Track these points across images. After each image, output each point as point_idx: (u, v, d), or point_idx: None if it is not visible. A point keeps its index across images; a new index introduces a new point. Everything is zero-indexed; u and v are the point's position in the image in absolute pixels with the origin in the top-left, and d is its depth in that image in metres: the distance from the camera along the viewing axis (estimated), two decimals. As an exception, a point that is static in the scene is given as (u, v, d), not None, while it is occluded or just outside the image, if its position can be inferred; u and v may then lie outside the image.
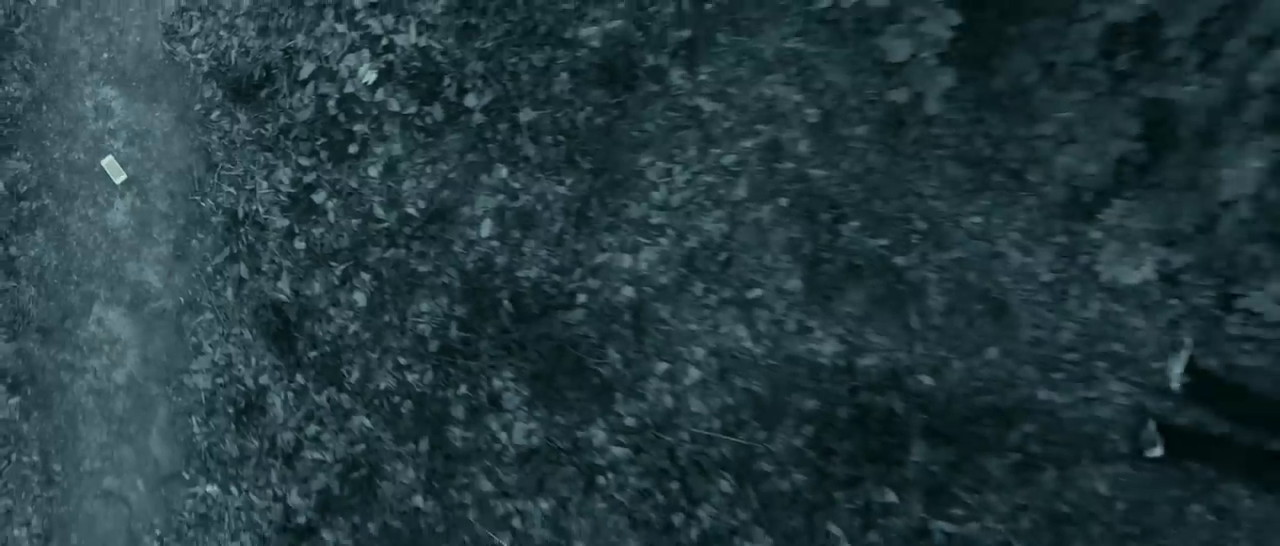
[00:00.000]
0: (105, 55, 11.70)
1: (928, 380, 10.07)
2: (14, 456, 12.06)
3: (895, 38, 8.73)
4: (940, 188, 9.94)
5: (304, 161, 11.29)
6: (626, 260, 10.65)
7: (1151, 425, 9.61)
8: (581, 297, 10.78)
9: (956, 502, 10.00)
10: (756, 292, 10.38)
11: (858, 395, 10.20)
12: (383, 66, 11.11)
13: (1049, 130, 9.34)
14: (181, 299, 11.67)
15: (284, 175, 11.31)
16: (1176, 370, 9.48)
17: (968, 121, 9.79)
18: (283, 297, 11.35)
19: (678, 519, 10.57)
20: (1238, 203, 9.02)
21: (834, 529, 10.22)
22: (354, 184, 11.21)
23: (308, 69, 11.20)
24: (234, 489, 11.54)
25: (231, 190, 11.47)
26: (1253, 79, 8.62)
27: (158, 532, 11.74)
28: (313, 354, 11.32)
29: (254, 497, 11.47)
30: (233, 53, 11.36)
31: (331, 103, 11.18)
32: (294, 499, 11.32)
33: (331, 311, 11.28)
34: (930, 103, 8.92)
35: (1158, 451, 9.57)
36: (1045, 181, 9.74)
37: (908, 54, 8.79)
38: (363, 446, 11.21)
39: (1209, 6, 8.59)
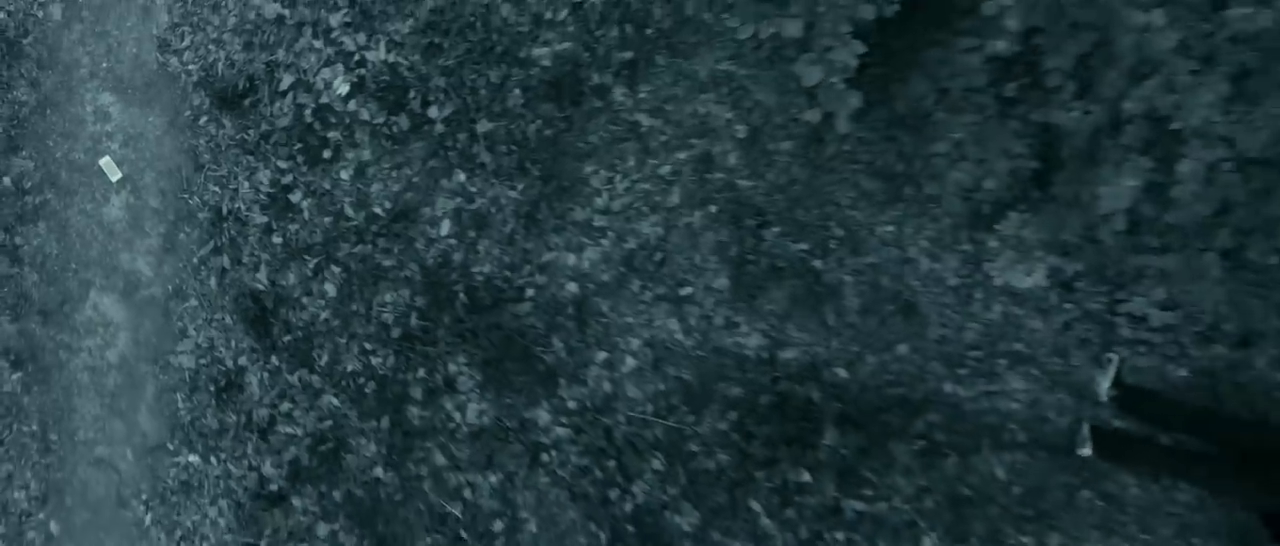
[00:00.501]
0: (104, 65, 11.71)
1: (843, 372, 10.15)
2: (15, 426, 12.06)
3: (808, 64, 8.74)
4: (856, 199, 10.02)
5: (282, 164, 11.31)
6: (571, 258, 10.72)
7: (1085, 427, 9.69)
8: (529, 292, 10.83)
9: (867, 484, 10.08)
10: (688, 290, 10.46)
11: (779, 385, 10.29)
12: (355, 80, 11.14)
13: (943, 148, 9.45)
14: (169, 287, 11.68)
15: (264, 176, 11.35)
16: (1104, 384, 9.60)
17: (880, 139, 9.87)
18: (261, 287, 11.37)
19: (614, 493, 10.64)
20: (1114, 216, 9.15)
21: (754, 505, 10.28)
22: (327, 185, 11.22)
23: (287, 81, 11.24)
24: (213, 459, 11.56)
25: (216, 189, 11.49)
26: (1126, 106, 8.79)
27: (144, 497, 11.76)
28: (287, 338, 11.35)
29: (231, 467, 11.50)
30: (220, 65, 11.39)
31: (308, 112, 11.23)
32: (267, 468, 11.37)
33: (304, 300, 11.31)
34: (840, 122, 8.95)
35: (1087, 451, 9.65)
36: (946, 194, 9.82)
37: (819, 79, 8.80)
38: (330, 422, 11.25)
39: (1085, 42, 8.83)
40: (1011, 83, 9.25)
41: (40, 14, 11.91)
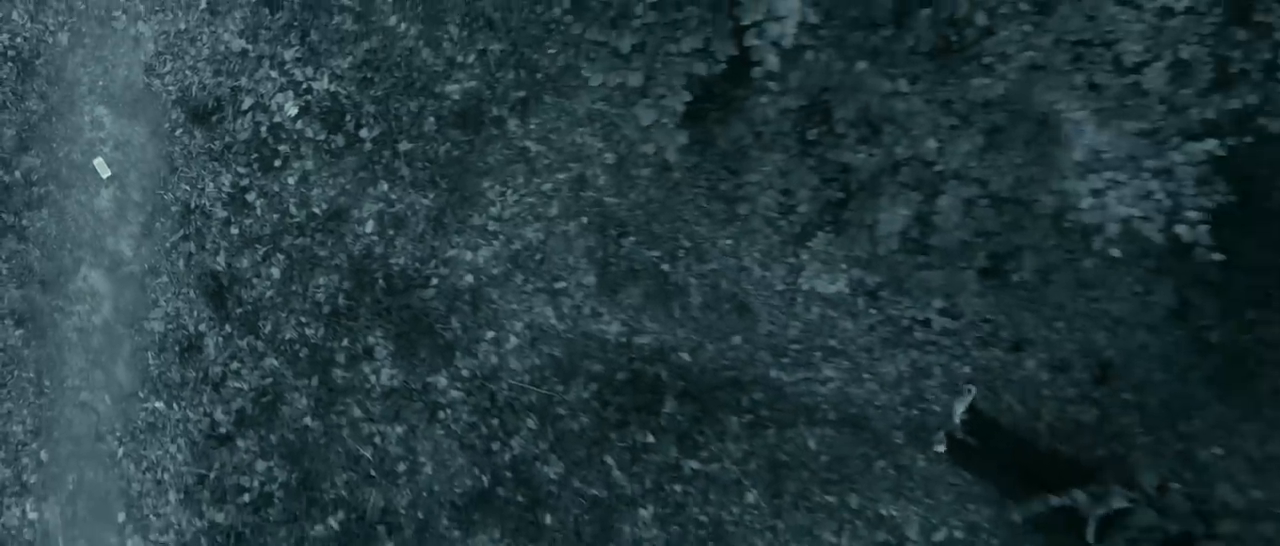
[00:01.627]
0: (101, 83, 11.69)
1: (686, 357, 10.43)
2: (16, 373, 12.03)
3: (644, 108, 8.98)
4: (700, 216, 10.27)
5: (241, 170, 11.35)
6: (469, 255, 10.87)
7: (942, 433, 9.94)
8: (434, 280, 10.97)
9: (702, 447, 10.38)
10: (562, 284, 10.69)
11: (633, 364, 10.53)
12: (302, 104, 11.20)
13: (756, 178, 9.67)
14: (146, 265, 11.68)
15: (226, 179, 11.38)
16: (959, 409, 9.87)
17: (718, 168, 10.09)
18: (219, 268, 11.40)
19: (495, 446, 10.84)
20: (890, 238, 9.34)
21: (609, 459, 10.56)
22: (276, 188, 11.25)
23: (248, 103, 11.28)
24: (175, 405, 11.60)
25: (187, 188, 11.51)
26: (898, 151, 9.23)
27: (118, 435, 11.79)
28: (239, 311, 11.39)
29: (189, 412, 11.55)
30: (194, 88, 11.41)
31: (263, 128, 11.27)
32: (218, 415, 11.43)
33: (254, 280, 11.35)
34: (670, 153, 9.14)
35: (941, 449, 9.95)
36: (774, 216, 10.05)
37: (653, 120, 8.99)
38: (270, 380, 11.31)
39: (868, 96, 9.16)
40: (813, 129, 9.46)
41: (50, 40, 11.84)
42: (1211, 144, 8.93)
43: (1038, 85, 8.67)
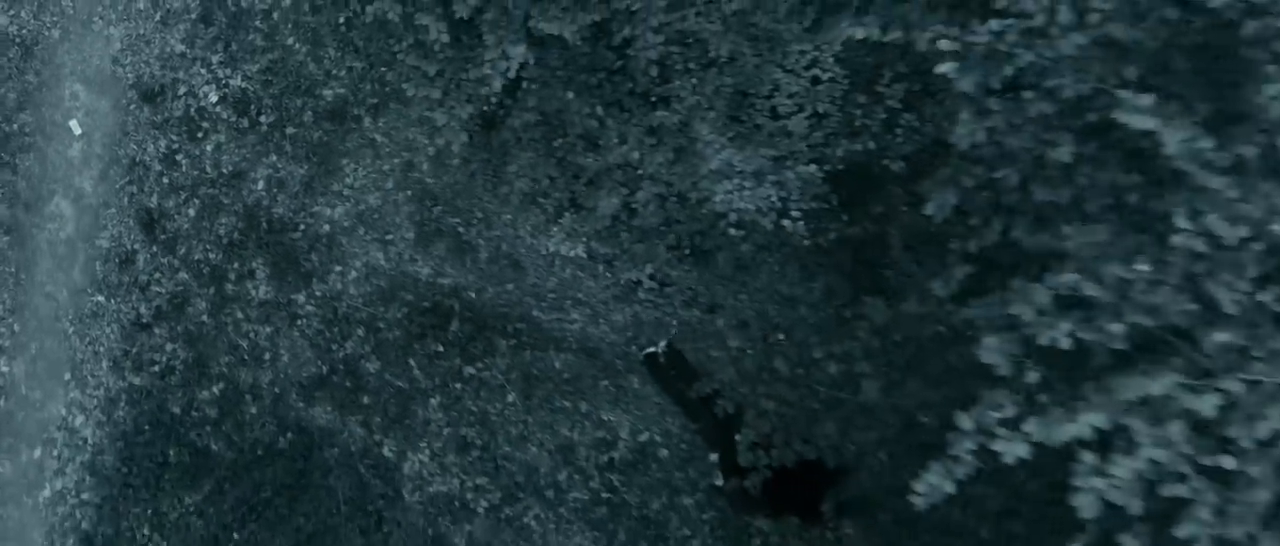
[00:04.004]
0: (80, 68, 12.09)
1: (473, 295, 11.07)
2: (1, 268, 12.30)
3: (440, 114, 9.67)
4: (489, 196, 10.89)
5: (175, 137, 11.79)
6: (328, 211, 11.44)
7: (648, 352, 10.63)
8: (302, 227, 11.52)
9: (478, 359, 10.98)
10: (391, 237, 11.27)
11: (435, 296, 11.11)
12: (222, 94, 11.67)
13: (515, 169, 10.38)
14: (100, 199, 12.05)
15: (162, 144, 11.84)
16: (661, 344, 10.54)
17: (499, 162, 10.70)
18: (152, 206, 11.86)
19: (334, 346, 11.38)
20: (604, 219, 10.15)
21: (412, 362, 11.13)
22: (197, 153, 11.71)
23: (182, 90, 11.76)
24: (113, 301, 11.96)
25: (135, 147, 11.92)
26: (611, 158, 10.04)
27: (70, 318, 12.12)
28: (163, 237, 11.80)
29: (122, 306, 11.90)
30: (146, 76, 11.87)
31: (192, 109, 11.75)
32: (142, 309, 11.81)
33: (176, 217, 11.78)
34: (455, 146, 9.86)
35: (651, 350, 10.60)
36: (537, 198, 10.66)
37: (444, 122, 9.68)
38: (181, 288, 11.75)
39: (574, 116, 9.83)
40: (557, 138, 10.18)
41: (46, 33, 12.23)
42: (813, 168, 9.58)
43: (696, 119, 9.36)
